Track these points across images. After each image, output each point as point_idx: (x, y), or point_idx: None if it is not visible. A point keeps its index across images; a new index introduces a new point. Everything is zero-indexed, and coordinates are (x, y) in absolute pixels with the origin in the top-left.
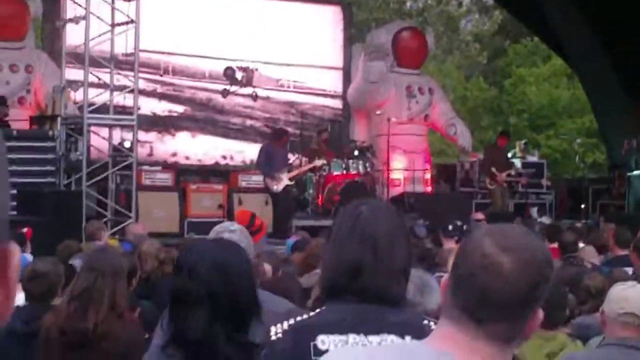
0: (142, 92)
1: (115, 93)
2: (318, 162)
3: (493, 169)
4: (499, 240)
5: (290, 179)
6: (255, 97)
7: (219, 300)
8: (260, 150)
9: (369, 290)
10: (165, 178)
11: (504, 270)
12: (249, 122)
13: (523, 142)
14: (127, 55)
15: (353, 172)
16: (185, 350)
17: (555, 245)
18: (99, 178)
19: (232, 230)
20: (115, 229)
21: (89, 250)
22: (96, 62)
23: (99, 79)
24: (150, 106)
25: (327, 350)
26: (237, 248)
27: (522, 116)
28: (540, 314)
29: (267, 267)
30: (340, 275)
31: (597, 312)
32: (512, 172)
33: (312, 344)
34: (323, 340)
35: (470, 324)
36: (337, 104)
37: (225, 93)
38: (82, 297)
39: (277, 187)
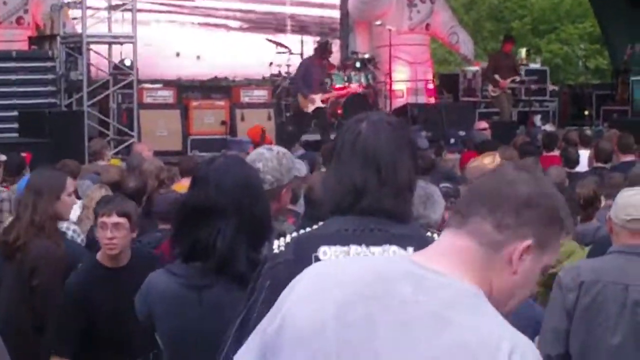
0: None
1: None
2: (354, 86)
3: (496, 76)
4: (519, 165)
5: (322, 101)
6: None
7: (244, 214)
8: (300, 65)
9: (373, 209)
10: (166, 95)
11: (508, 173)
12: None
13: (525, 49)
14: None
15: (355, 84)
16: (201, 269)
17: (556, 153)
18: (100, 97)
19: (270, 149)
20: (119, 147)
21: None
22: None
23: None
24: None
25: None
26: (253, 167)
27: (524, 21)
28: (527, 243)
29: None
30: (345, 196)
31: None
32: (517, 79)
33: (313, 255)
34: (325, 251)
35: (457, 221)
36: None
37: None
38: (17, 213)
39: (308, 108)
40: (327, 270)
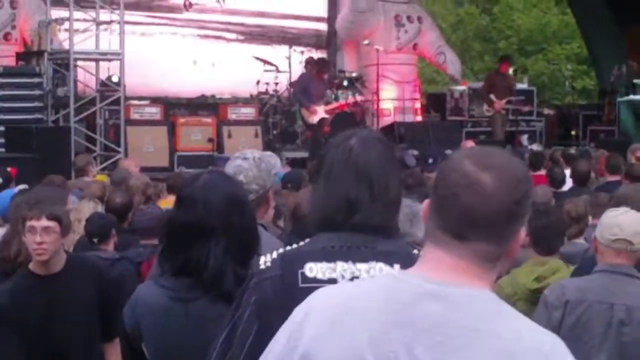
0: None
1: (101, 27)
2: (358, 98)
3: (492, 96)
4: (478, 159)
5: (326, 112)
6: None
7: (233, 232)
8: (298, 79)
9: (366, 225)
10: (153, 112)
11: (486, 187)
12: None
13: (512, 69)
14: None
15: (342, 102)
16: (189, 284)
17: (542, 172)
18: (87, 113)
19: (245, 158)
20: (105, 163)
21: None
22: None
23: (85, 12)
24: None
25: (314, 278)
26: (238, 181)
27: (511, 40)
28: (524, 233)
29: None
30: (337, 212)
31: (579, 237)
32: (513, 99)
33: (299, 271)
34: (311, 268)
35: (454, 244)
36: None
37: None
38: (14, 228)
39: (313, 119)
40: (338, 301)
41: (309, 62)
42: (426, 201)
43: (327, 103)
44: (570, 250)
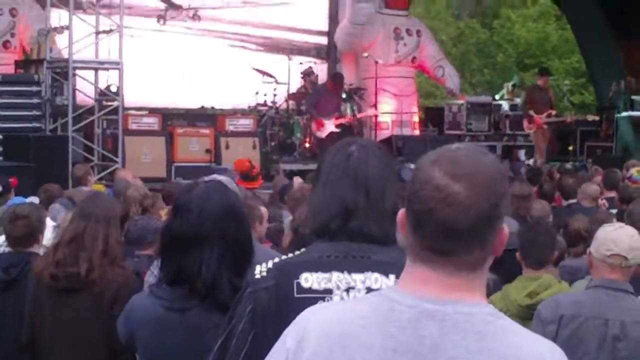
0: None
1: (100, 36)
2: (370, 112)
3: (531, 111)
4: (449, 168)
5: (336, 126)
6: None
7: (227, 241)
8: (312, 91)
9: (361, 232)
10: (151, 122)
11: (461, 198)
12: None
13: (511, 83)
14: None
15: (351, 116)
16: (183, 293)
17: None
18: (85, 122)
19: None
20: (102, 173)
21: (73, 195)
22: (81, 7)
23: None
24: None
25: (310, 288)
26: (234, 190)
27: (508, 54)
28: (506, 229)
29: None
30: (333, 218)
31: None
32: (553, 113)
33: (295, 281)
34: (306, 278)
35: (440, 259)
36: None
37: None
38: (73, 244)
39: (321, 132)
40: (332, 329)
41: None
42: (401, 212)
43: (337, 117)
44: (574, 264)
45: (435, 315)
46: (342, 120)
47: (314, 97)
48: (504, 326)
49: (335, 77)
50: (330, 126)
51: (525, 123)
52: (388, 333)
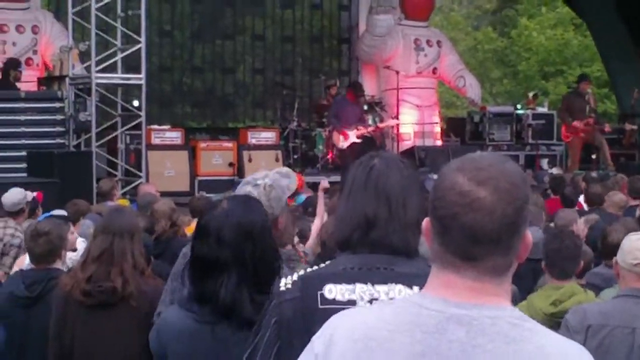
0: None
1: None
2: (392, 122)
3: (569, 119)
4: (473, 174)
5: (357, 137)
6: None
7: (246, 265)
8: (334, 103)
9: (383, 244)
10: (174, 137)
11: (486, 203)
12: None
13: (532, 93)
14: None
15: (374, 127)
16: (210, 310)
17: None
18: (108, 138)
19: (256, 185)
20: (126, 188)
21: (101, 211)
22: (103, 21)
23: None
24: None
25: (334, 299)
26: (257, 205)
27: (530, 62)
28: (529, 235)
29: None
30: (354, 229)
31: None
32: (592, 121)
33: (319, 292)
34: (330, 289)
35: (466, 264)
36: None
37: None
38: (102, 259)
39: (343, 143)
40: (359, 334)
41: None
42: (426, 220)
43: (359, 127)
44: (601, 272)
45: (462, 320)
46: (363, 131)
47: (335, 108)
48: (531, 328)
49: (354, 87)
50: (353, 137)
51: (562, 131)
52: (415, 338)
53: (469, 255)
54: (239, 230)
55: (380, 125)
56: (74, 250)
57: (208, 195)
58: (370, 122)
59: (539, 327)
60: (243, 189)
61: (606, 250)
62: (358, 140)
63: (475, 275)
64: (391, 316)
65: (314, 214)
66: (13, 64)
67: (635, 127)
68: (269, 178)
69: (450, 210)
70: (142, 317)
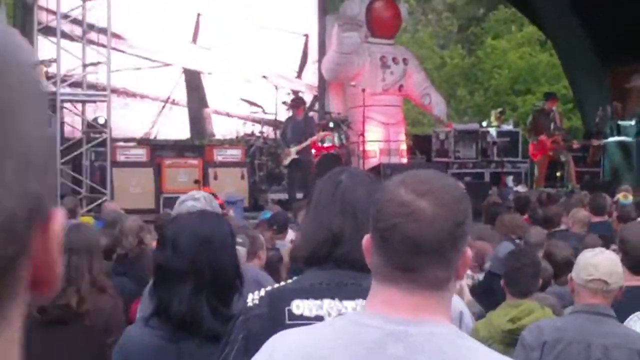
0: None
1: (88, 68)
2: (321, 134)
3: (534, 137)
4: (414, 186)
5: (297, 153)
6: None
7: (202, 274)
8: (283, 123)
9: (349, 259)
10: (139, 154)
11: (427, 214)
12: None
13: (499, 110)
14: (99, 30)
15: (328, 144)
16: (170, 323)
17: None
18: (73, 155)
19: (195, 199)
20: (91, 206)
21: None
22: (68, 38)
23: (71, 53)
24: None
25: (301, 315)
26: (220, 220)
27: (501, 76)
28: (469, 251)
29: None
30: (321, 244)
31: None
32: (559, 138)
33: (286, 308)
34: (298, 305)
35: (403, 277)
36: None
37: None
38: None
39: (285, 161)
40: (299, 352)
41: (288, 104)
42: (366, 237)
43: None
44: (557, 291)
45: (400, 336)
46: (302, 146)
47: (283, 128)
48: (469, 346)
49: (294, 102)
50: (292, 153)
51: (530, 148)
52: (356, 355)
53: (409, 266)
54: (195, 240)
55: (314, 139)
56: None
57: (173, 212)
58: (336, 140)
59: (478, 346)
60: (184, 204)
61: (552, 267)
62: (296, 157)
63: (414, 290)
64: (331, 334)
65: (279, 231)
66: None
67: (601, 142)
68: (202, 193)
69: (390, 221)
70: (97, 335)
